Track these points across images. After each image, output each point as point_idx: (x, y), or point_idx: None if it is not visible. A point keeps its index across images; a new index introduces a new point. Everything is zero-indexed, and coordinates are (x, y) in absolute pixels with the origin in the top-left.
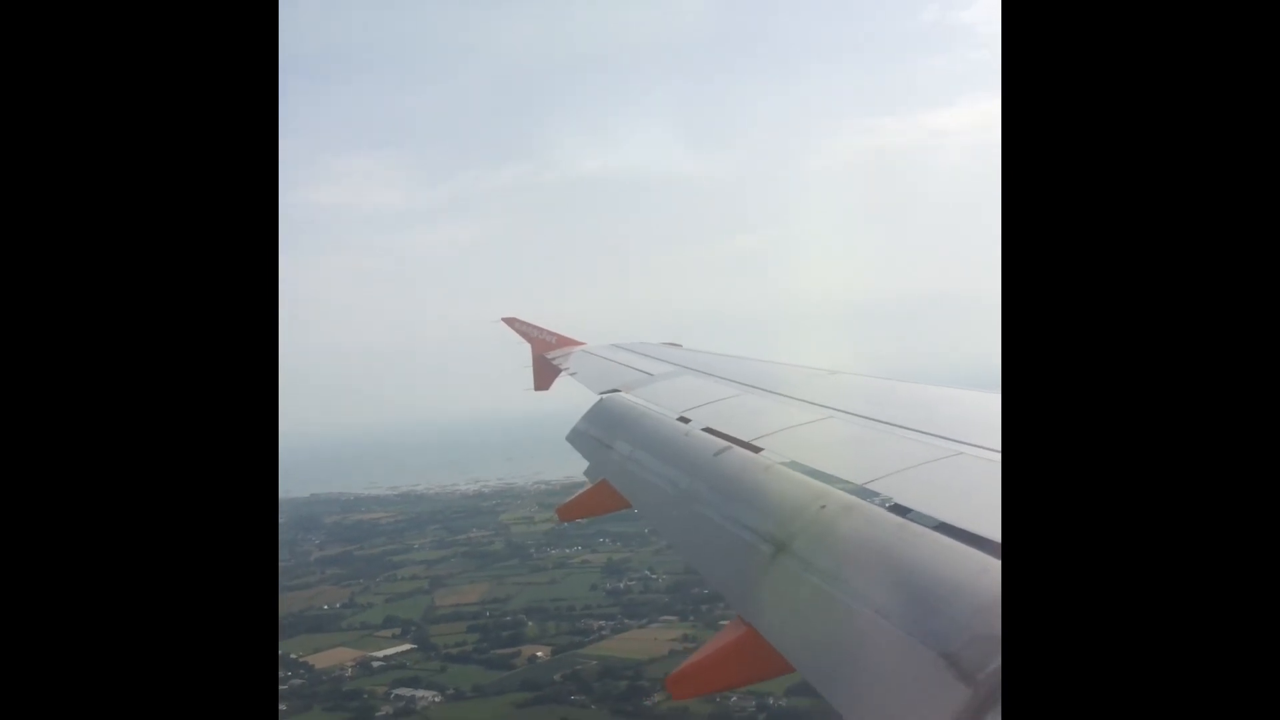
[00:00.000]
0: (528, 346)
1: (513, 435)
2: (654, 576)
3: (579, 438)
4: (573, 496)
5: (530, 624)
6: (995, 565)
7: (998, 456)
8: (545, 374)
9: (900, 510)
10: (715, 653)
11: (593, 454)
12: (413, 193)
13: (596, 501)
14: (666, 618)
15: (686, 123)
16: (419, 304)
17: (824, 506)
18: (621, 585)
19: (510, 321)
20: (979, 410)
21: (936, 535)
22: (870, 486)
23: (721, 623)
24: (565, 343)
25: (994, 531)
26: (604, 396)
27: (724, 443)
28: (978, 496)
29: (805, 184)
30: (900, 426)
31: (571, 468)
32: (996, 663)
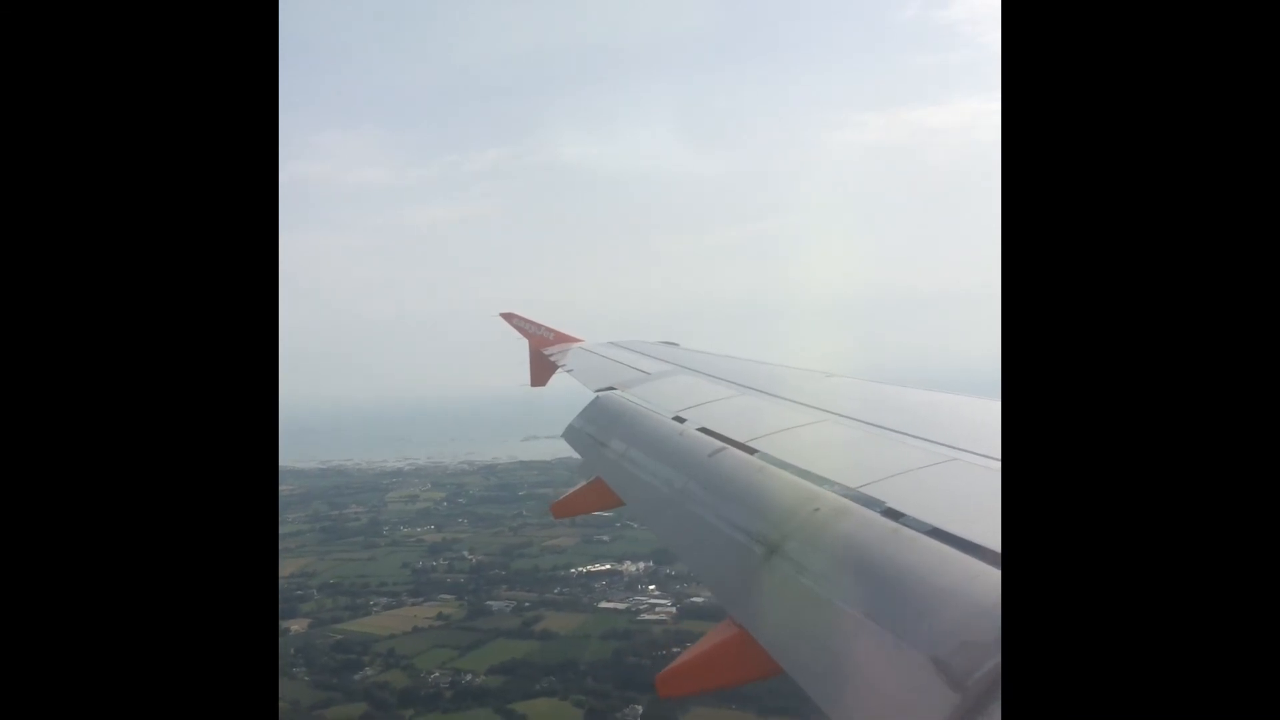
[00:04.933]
0: (525, 342)
1: (480, 418)
2: (469, 558)
3: (574, 435)
4: (567, 493)
5: (317, 598)
6: (987, 571)
7: (992, 463)
8: (542, 370)
9: (893, 514)
10: (705, 653)
11: (587, 451)
12: (399, 171)
13: (590, 499)
14: (444, 596)
15: (680, 118)
16: (404, 281)
17: (817, 509)
18: (434, 564)
19: (508, 317)
20: (974, 416)
21: (929, 540)
22: (864, 490)
23: (487, 602)
24: (563, 339)
25: (987, 538)
26: (600, 394)
27: (719, 443)
28: (971, 502)
29: (797, 178)
30: (895, 431)
31: (503, 452)
32: (986, 668)
